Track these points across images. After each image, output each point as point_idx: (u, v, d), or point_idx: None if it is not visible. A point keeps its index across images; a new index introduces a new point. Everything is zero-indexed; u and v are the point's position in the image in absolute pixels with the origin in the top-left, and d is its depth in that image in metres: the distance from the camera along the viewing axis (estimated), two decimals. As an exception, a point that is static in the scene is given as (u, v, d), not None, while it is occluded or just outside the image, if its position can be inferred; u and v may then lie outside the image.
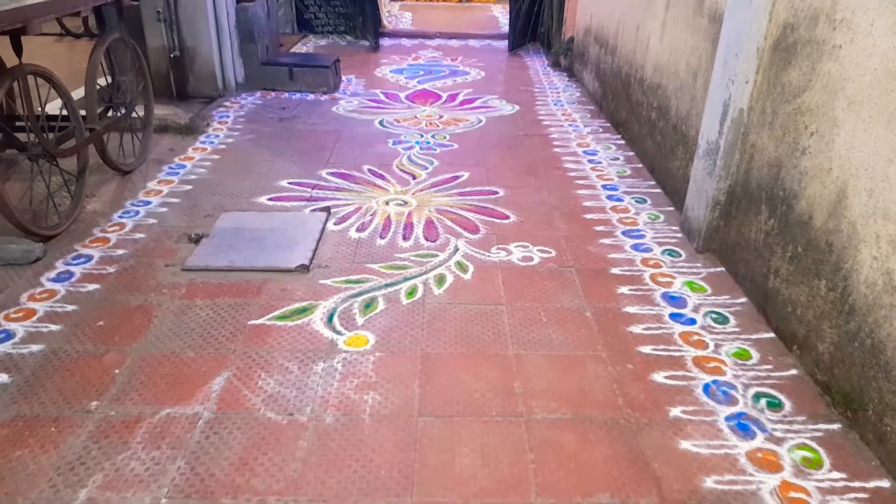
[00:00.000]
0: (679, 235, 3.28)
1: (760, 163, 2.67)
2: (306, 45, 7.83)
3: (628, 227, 3.36)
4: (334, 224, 3.33)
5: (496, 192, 3.78)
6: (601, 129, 4.95)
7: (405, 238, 3.22)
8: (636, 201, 3.68)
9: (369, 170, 4.07)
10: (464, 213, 3.48)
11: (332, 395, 2.15)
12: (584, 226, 3.39)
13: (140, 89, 4.06)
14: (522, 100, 5.74)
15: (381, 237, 3.22)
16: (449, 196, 3.71)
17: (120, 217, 3.36)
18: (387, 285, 2.81)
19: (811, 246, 2.28)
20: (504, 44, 8.07)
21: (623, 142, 4.65)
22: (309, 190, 3.74)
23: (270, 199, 3.61)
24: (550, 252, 3.12)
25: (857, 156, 2.03)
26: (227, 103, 5.38)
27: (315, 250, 3.05)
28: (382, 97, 5.73)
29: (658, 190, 3.83)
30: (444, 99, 5.70)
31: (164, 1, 5.07)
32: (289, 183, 3.83)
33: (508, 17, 7.73)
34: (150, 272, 2.86)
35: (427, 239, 3.22)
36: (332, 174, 3.99)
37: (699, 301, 2.74)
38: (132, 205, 3.50)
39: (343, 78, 6.30)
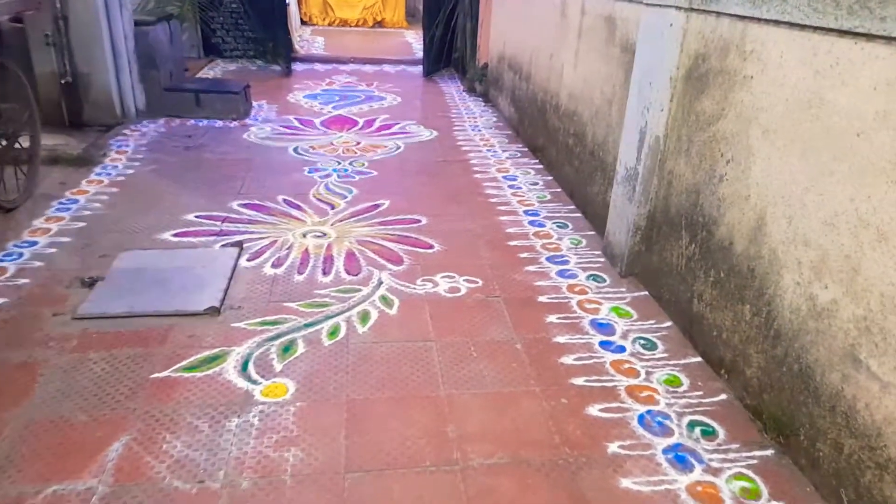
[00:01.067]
0: (602, 260, 3.29)
1: (679, 189, 2.71)
2: (214, 70, 7.52)
3: (552, 253, 3.34)
4: (247, 260, 3.12)
5: (419, 221, 3.68)
6: (519, 154, 4.97)
7: (325, 273, 3.05)
8: (558, 226, 3.68)
9: (284, 200, 3.88)
10: (386, 244, 3.36)
11: (248, 454, 1.95)
12: (508, 253, 3.34)
13: (25, 118, 3.70)
14: (440, 125, 5.70)
15: (299, 273, 3.04)
16: (370, 226, 3.57)
17: (0, 261, 3.00)
18: (307, 325, 2.63)
19: (733, 271, 2.31)
20: (418, 69, 8.06)
21: (542, 166, 4.68)
22: (219, 223, 3.51)
23: (176, 235, 3.35)
24: (477, 282, 3.04)
25: (775, 183, 2.07)
26: (127, 132, 5.03)
27: (226, 290, 2.83)
28: (296, 123, 5.54)
29: (578, 214, 3.85)
30: (360, 125, 5.58)
31: (54, 25, 4.69)
32: (196, 217, 3.58)
33: (422, 42, 7.74)
34: (35, 323, 2.54)
35: (349, 273, 3.06)
36: (244, 206, 3.76)
37: (627, 327, 2.73)
38: (15, 246, 3.15)
39: (254, 104, 6.06)
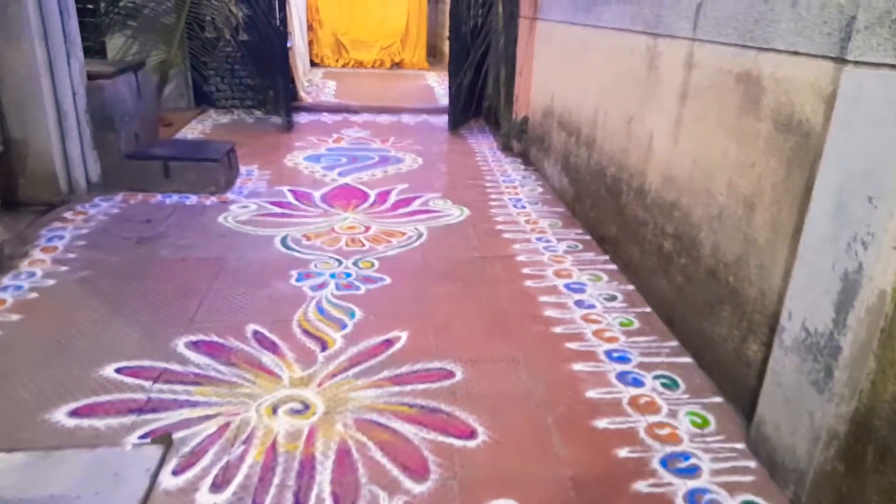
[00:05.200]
0: (750, 465, 2.01)
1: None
2: (203, 124, 6.44)
3: (669, 450, 2.07)
4: (174, 473, 1.89)
5: (450, 375, 2.44)
6: (581, 246, 3.73)
7: (298, 503, 1.81)
8: (664, 386, 2.41)
9: (255, 334, 2.67)
10: (402, 430, 2.12)
11: None
12: (598, 448, 2.08)
13: None
14: (473, 199, 4.51)
15: (256, 503, 1.81)
16: (377, 387, 2.34)
17: None
18: None
19: None
20: (443, 119, 6.95)
21: (614, 267, 3.44)
22: (148, 384, 2.30)
23: (74, 414, 2.13)
24: (556, 525, 1.78)
25: None
26: (70, 214, 3.89)
27: (120, 559, 1.60)
28: (290, 198, 4.38)
29: (688, 360, 2.59)
30: (371, 200, 4.40)
31: (-22, 78, 3.63)
32: (117, 371, 2.37)
33: (448, 90, 6.62)
34: None
35: (338, 503, 1.82)
36: (195, 346, 2.56)
37: None
38: None
39: (242, 170, 4.93)
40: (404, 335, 2.70)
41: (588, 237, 3.85)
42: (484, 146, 6.06)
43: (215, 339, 2.62)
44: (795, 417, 1.85)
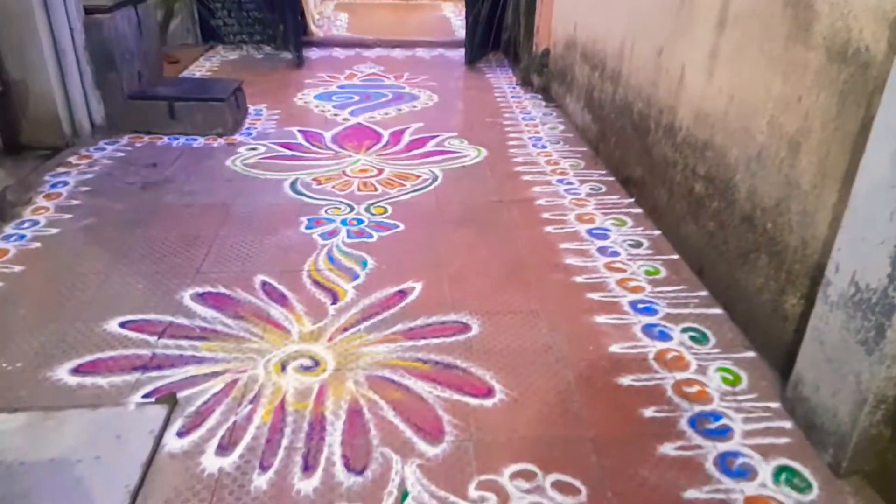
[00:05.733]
0: (786, 426, 1.89)
1: None
2: (210, 61, 6.21)
3: (698, 409, 1.95)
4: (178, 435, 1.82)
5: (466, 328, 2.32)
6: (604, 188, 3.54)
7: (307, 467, 1.74)
8: (693, 339, 2.27)
9: (264, 284, 2.57)
10: (415, 388, 2.02)
11: None
12: (622, 408, 1.96)
13: None
14: (490, 138, 4.30)
15: (263, 468, 1.73)
16: (389, 342, 2.24)
17: None
18: None
19: None
20: (459, 53, 6.62)
21: (640, 211, 3.26)
22: (153, 340, 2.22)
23: (77, 372, 2.06)
24: (579, 490, 1.68)
25: None
26: (75, 158, 3.77)
27: (124, 524, 1.55)
28: (300, 139, 4.20)
29: (718, 311, 2.44)
30: (384, 140, 4.21)
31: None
32: (122, 325, 2.30)
33: (465, 22, 6.28)
34: None
35: (349, 466, 1.74)
36: (202, 298, 2.47)
37: None
38: None
39: (250, 109, 4.74)
40: (418, 286, 2.58)
41: (612, 179, 3.65)
42: (503, 81, 5.77)
43: (222, 290, 2.52)
44: (839, 378, 1.71)
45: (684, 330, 2.32)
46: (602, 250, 2.88)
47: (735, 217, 2.38)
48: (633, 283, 2.62)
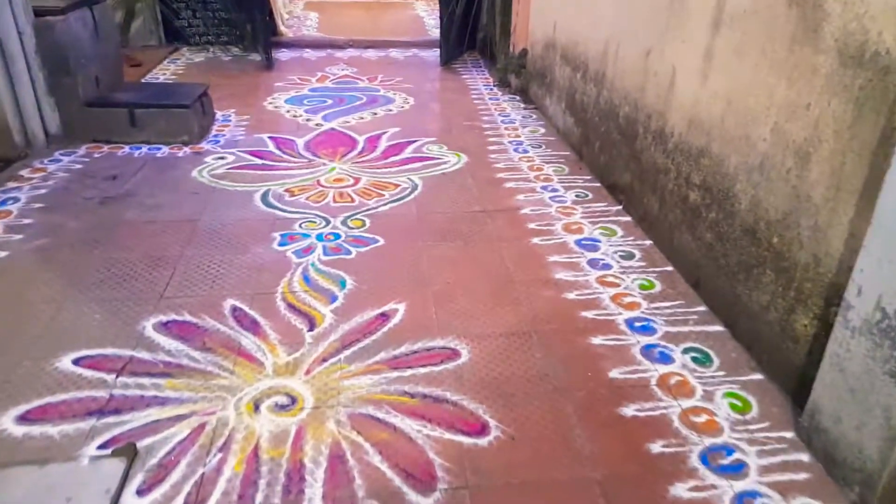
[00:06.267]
0: (805, 459, 1.76)
1: None
2: (175, 63, 5.94)
3: (708, 442, 1.81)
4: (140, 491, 1.62)
5: (455, 355, 2.16)
6: (590, 195, 3.40)
7: (285, 525, 1.56)
8: (695, 361, 2.14)
9: (234, 310, 2.37)
10: (402, 426, 1.85)
11: None
12: (627, 442, 1.82)
13: None
14: (470, 143, 4.13)
15: (235, 528, 1.55)
16: (372, 372, 2.06)
17: None
18: None
19: None
20: (434, 53, 6.46)
21: (629, 218, 3.13)
22: (110, 378, 2.01)
23: (23, 420, 1.85)
24: (585, 543, 1.53)
25: None
26: (27, 172, 3.51)
27: None
28: (271, 147, 3.99)
29: (719, 328, 2.31)
30: (360, 147, 4.02)
31: None
32: (76, 362, 2.08)
33: (439, 20, 6.10)
34: None
35: (331, 522, 1.57)
36: (165, 326, 2.26)
37: None
38: None
39: (218, 115, 4.51)
40: (401, 307, 2.41)
41: (598, 184, 3.52)
42: (479, 82, 5.61)
43: (188, 318, 2.32)
44: (863, 411, 1.58)
45: (686, 350, 2.19)
46: (593, 263, 2.74)
47: (735, 229, 2.26)
48: (628, 299, 2.48)
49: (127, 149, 3.89)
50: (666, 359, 2.15)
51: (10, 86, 3.61)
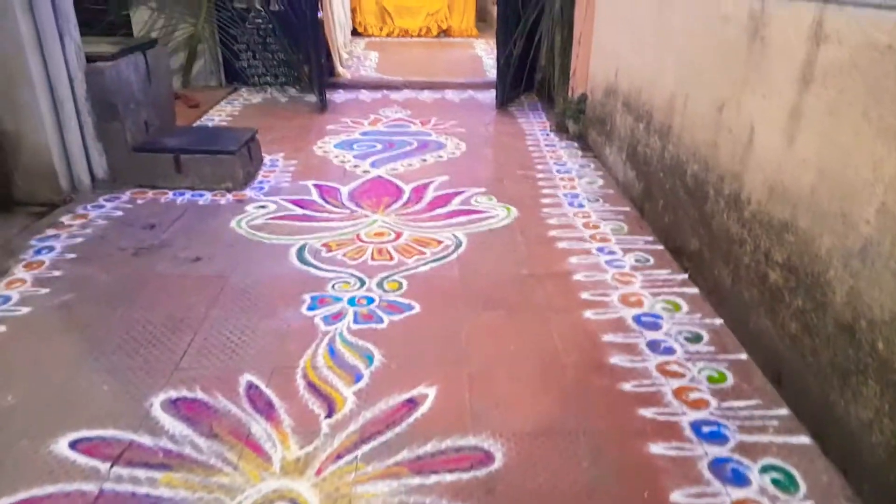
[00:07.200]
0: None
1: None
2: (232, 104, 5.96)
3: None
4: None
5: (488, 459, 1.87)
6: (651, 259, 3.07)
7: None
8: (776, 485, 1.78)
9: (249, 387, 2.16)
10: (419, 552, 1.57)
11: None
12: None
13: None
14: (522, 194, 3.88)
15: None
16: (391, 476, 1.80)
17: None
18: None
19: None
20: (490, 95, 6.28)
21: (696, 290, 2.78)
22: (104, 468, 1.82)
23: (4, 515, 1.68)
24: None
25: None
26: (68, 218, 3.47)
27: None
28: (315, 195, 3.85)
29: (805, 440, 1.94)
30: (405, 197, 3.83)
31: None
32: (72, 444, 1.91)
33: (496, 62, 5.92)
34: None
35: None
36: (174, 405, 2.08)
37: None
38: None
39: (266, 159, 4.43)
40: (432, 392, 2.15)
41: (660, 247, 3.19)
42: (535, 126, 5.37)
43: (200, 395, 2.13)
44: None
45: (765, 469, 1.83)
46: (653, 345, 2.40)
47: (828, 323, 1.90)
48: (694, 395, 2.14)
49: (171, 194, 3.82)
50: (740, 479, 1.79)
51: (59, 131, 3.60)
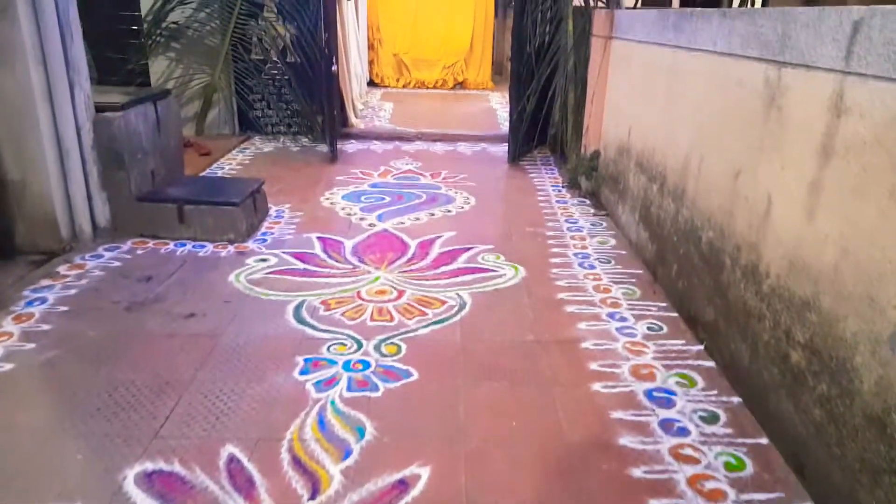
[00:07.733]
0: None
1: None
2: (244, 153, 5.98)
3: None
4: None
5: (482, 552, 1.71)
6: (665, 328, 2.93)
7: None
8: None
9: (230, 461, 2.03)
10: None
11: None
12: None
13: None
14: (530, 253, 3.77)
15: None
16: (375, 571, 1.64)
17: None
18: None
19: None
20: (502, 149, 6.25)
21: (712, 363, 2.62)
22: (67, 551, 1.68)
23: None
24: None
25: None
26: (65, 268, 3.40)
27: None
28: (317, 249, 3.76)
29: (833, 542, 1.76)
30: (410, 253, 3.73)
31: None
32: (36, 522, 1.78)
33: (509, 116, 5.91)
34: None
35: None
36: (149, 479, 1.94)
37: None
38: None
39: (272, 210, 4.37)
40: (425, 473, 2.00)
41: (674, 314, 3.04)
42: (547, 182, 5.30)
43: (177, 468, 1.99)
44: None
45: (790, 578, 1.65)
46: (666, 425, 2.24)
47: (855, 413, 1.74)
48: (710, 484, 1.97)
49: (171, 245, 3.76)
50: (761, 589, 1.61)
51: (63, 179, 3.57)
